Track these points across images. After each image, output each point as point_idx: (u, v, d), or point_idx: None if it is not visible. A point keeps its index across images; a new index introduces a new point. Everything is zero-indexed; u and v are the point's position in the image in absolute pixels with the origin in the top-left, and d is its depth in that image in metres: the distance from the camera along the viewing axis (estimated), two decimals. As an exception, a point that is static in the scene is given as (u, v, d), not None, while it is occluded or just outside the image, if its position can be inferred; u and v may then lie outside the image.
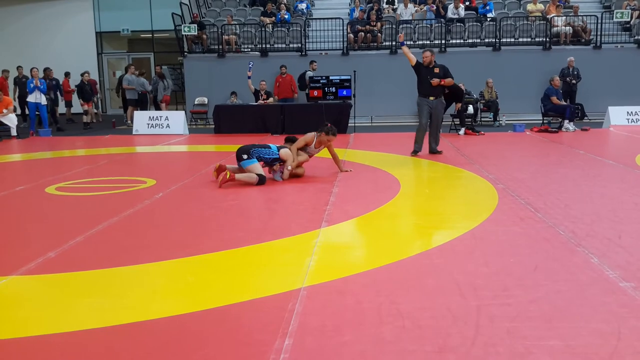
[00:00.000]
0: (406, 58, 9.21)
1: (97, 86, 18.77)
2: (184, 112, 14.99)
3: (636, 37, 16.17)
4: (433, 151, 9.23)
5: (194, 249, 4.26)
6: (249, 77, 13.83)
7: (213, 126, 13.87)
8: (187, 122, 14.34)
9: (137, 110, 15.39)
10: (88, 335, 2.85)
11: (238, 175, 6.75)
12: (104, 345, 2.75)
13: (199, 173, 7.84)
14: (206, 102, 16.30)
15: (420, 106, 9.19)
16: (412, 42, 16.61)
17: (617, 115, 13.45)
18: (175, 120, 14.02)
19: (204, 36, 16.73)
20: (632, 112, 13.54)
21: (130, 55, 22.12)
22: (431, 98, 9.01)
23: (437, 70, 8.96)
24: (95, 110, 17.61)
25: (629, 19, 16.21)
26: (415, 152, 9.14)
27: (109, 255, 4.18)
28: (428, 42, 16.53)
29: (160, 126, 13.92)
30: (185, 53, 16.92)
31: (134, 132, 13.96)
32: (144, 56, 21.98)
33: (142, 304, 3.26)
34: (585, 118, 14.52)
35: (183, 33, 16.46)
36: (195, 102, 16.48)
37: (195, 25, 16.47)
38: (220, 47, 16.60)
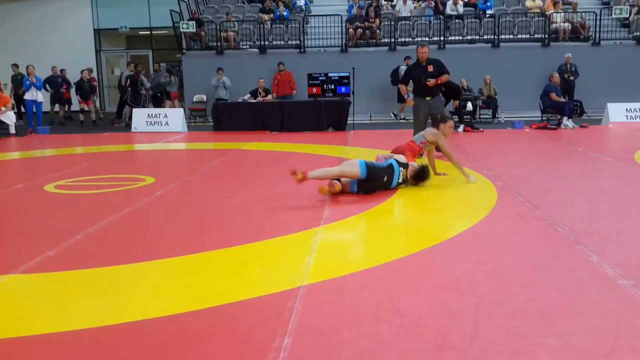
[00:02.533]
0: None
1: (96, 84, 18.71)
2: (182, 109, 14.98)
3: (635, 34, 16.16)
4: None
5: (193, 247, 4.26)
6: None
7: (212, 123, 13.87)
8: (186, 120, 14.33)
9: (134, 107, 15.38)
10: (87, 334, 2.86)
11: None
12: (103, 344, 2.75)
13: (198, 171, 7.84)
14: (205, 100, 16.29)
15: (416, 107, 8.57)
16: (410, 39, 16.61)
17: (616, 111, 13.45)
18: (174, 117, 14.01)
19: (203, 33, 16.71)
20: (631, 109, 13.55)
21: (129, 52, 22.09)
22: (427, 98, 8.43)
23: (430, 68, 8.35)
24: (95, 109, 17.58)
25: (627, 15, 16.20)
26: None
27: (108, 254, 4.19)
28: (427, 38, 16.51)
29: (159, 124, 13.91)
30: (184, 50, 16.90)
31: (132, 130, 13.95)
32: (142, 53, 21.95)
33: (141, 303, 3.26)
34: (584, 115, 14.53)
35: (181, 30, 16.43)
36: (194, 100, 16.47)
37: (194, 22, 16.45)
38: (219, 44, 16.58)
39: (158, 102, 16.16)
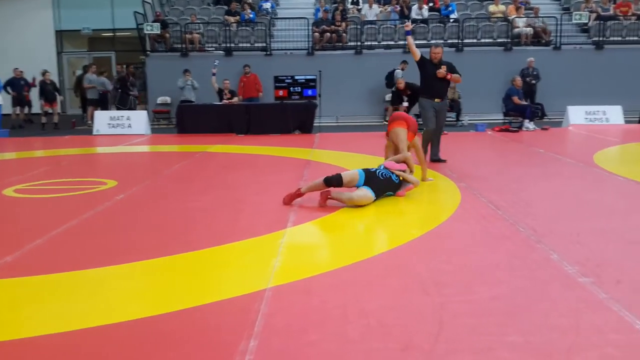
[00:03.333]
0: (405, 52, 8.43)
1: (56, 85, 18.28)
2: (146, 111, 14.76)
3: (594, 39, 16.61)
4: (436, 159, 8.19)
5: (157, 251, 4.20)
6: (214, 75, 13.72)
7: (176, 126, 13.72)
8: (149, 122, 14.14)
9: (98, 110, 15.10)
10: (49, 341, 2.79)
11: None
12: (66, 350, 2.69)
13: (162, 174, 7.73)
14: (169, 102, 16.10)
15: (424, 109, 8.09)
16: (376, 43, 16.74)
17: (576, 114, 13.80)
18: (137, 120, 13.80)
19: (167, 35, 16.52)
20: (590, 112, 13.91)
21: (91, 54, 21.69)
22: (437, 100, 7.97)
23: (444, 68, 7.98)
24: (59, 111, 17.18)
25: (587, 21, 16.64)
26: None
27: (69, 259, 4.09)
28: (392, 42, 16.68)
29: (122, 126, 13.68)
30: (148, 52, 16.67)
31: (94, 133, 13.69)
32: (105, 55, 21.57)
33: (104, 308, 3.19)
34: (545, 117, 14.85)
35: (145, 32, 16.21)
36: (158, 102, 16.27)
37: (158, 24, 16.24)
38: (184, 46, 16.43)
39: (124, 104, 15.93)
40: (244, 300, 3.24)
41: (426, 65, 8.13)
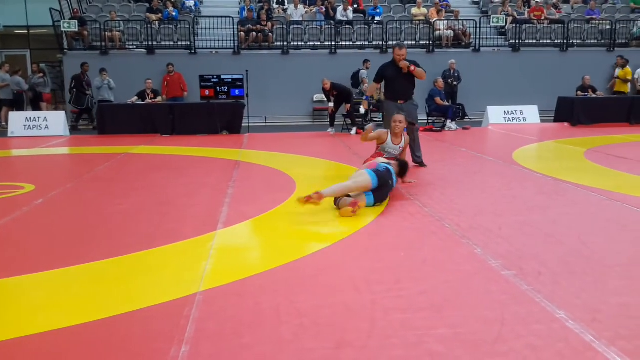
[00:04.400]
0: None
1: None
2: (64, 112, 14.13)
3: (511, 41, 17.38)
4: (418, 162, 7.89)
5: (78, 258, 4.01)
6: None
7: (96, 127, 13.21)
8: (68, 123, 13.54)
9: (13, 110, 14.31)
10: (-41, 357, 2.60)
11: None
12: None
13: (83, 177, 7.42)
14: (89, 102, 15.49)
15: (387, 112, 7.76)
16: (303, 43, 16.80)
17: (495, 114, 14.39)
18: (55, 120, 13.17)
19: (86, 32, 15.88)
20: (508, 112, 14.54)
21: (4, 52, 20.52)
22: (400, 102, 7.62)
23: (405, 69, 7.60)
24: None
25: (504, 24, 17.40)
26: None
27: (-18, 268, 3.84)
28: (318, 43, 16.79)
29: (39, 127, 13.02)
30: (65, 50, 15.97)
31: (9, 135, 12.96)
32: (19, 53, 20.47)
33: (21, 319, 3.02)
34: (467, 117, 15.40)
35: (62, 29, 15.51)
36: (78, 102, 15.61)
37: (76, 21, 15.59)
38: (103, 44, 15.85)
39: (37, 105, 15.18)
40: (174, 305, 3.15)
41: (387, 71, 7.76)
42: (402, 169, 6.14)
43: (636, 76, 16.76)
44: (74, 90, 14.67)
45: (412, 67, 7.53)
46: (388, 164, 5.85)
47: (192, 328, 2.86)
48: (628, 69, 14.64)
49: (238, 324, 2.91)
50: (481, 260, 3.87)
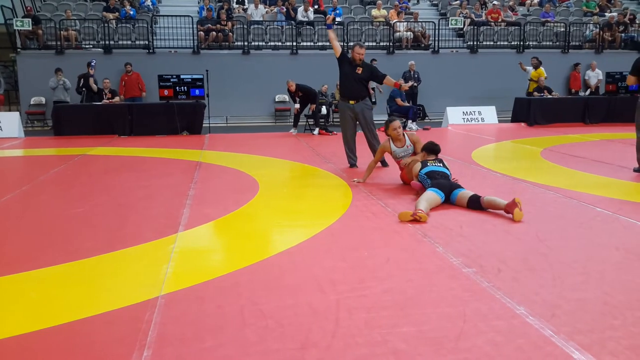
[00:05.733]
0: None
1: None
2: (18, 113, 13.71)
3: (469, 43, 17.69)
4: (382, 163, 7.83)
5: (34, 262, 3.89)
6: (92, 76, 13.01)
7: (52, 128, 12.86)
8: (22, 124, 13.15)
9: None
10: None
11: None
12: None
13: (38, 179, 7.21)
14: (44, 102, 15.07)
15: (340, 112, 7.89)
16: (264, 43, 16.73)
17: (454, 115, 14.62)
18: (9, 122, 12.77)
19: (40, 31, 15.45)
20: (467, 112, 14.80)
21: (-48, 50, 19.78)
22: (351, 102, 7.59)
23: (359, 70, 7.52)
24: None
25: (462, 26, 17.70)
26: (351, 166, 7.87)
27: None
28: (280, 43, 16.75)
29: (-9, 129, 12.61)
30: (19, 49, 15.50)
31: (-41, 136, 12.51)
32: (-31, 52, 19.78)
33: (-26, 328, 2.91)
34: (427, 118, 15.60)
35: (15, 28, 15.04)
36: (31, 102, 15.19)
37: (30, 19, 15.14)
38: (59, 43, 15.44)
39: None
40: (134, 310, 3.09)
41: (344, 64, 7.63)
42: (430, 149, 6.13)
43: (586, 77, 17.32)
44: (83, 89, 14.17)
45: (406, 86, 7.83)
46: (425, 166, 5.86)
47: (154, 332, 2.80)
48: (541, 69, 15.00)
49: (200, 327, 2.87)
50: (443, 258, 3.92)
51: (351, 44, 16.75)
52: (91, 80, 13.15)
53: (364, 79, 7.61)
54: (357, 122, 7.78)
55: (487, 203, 5.23)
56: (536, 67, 15.09)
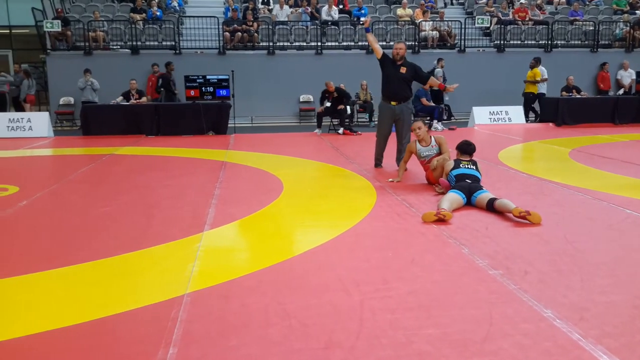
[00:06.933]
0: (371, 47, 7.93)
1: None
2: (47, 113, 13.98)
3: (495, 42, 17.49)
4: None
5: (63, 260, 3.97)
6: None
7: (81, 128, 13.08)
8: (51, 124, 13.40)
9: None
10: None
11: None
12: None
13: (68, 178, 7.34)
14: (72, 103, 15.34)
15: (379, 112, 7.74)
16: (289, 44, 16.77)
17: (481, 115, 14.47)
18: (39, 121, 13.02)
19: (69, 33, 15.72)
20: (494, 112, 14.62)
21: (-15, 52, 20.30)
22: (393, 103, 7.44)
23: (403, 70, 7.41)
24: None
25: (489, 25, 17.50)
26: (376, 167, 7.86)
27: (-36, 272, 3.78)
28: (304, 43, 16.77)
29: (22, 129, 12.86)
30: (49, 50, 15.80)
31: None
32: (1, 53, 20.24)
33: (8, 321, 2.97)
34: (452, 118, 15.46)
35: (45, 29, 15.34)
36: (61, 102, 15.45)
37: (59, 21, 15.42)
38: (87, 44, 15.70)
39: (20, 106, 14.98)
40: (161, 307, 3.12)
41: (386, 64, 7.54)
42: (463, 149, 6.08)
43: (618, 77, 16.98)
44: (162, 90, 14.41)
45: (451, 87, 7.85)
46: (457, 167, 5.81)
47: (180, 330, 2.83)
48: (537, 70, 14.72)
49: (225, 325, 2.89)
50: (468, 260, 3.88)
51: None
52: (171, 83, 13.41)
53: (408, 79, 7.50)
54: (394, 123, 7.65)
55: (498, 206, 5.15)
56: (532, 67, 14.85)
